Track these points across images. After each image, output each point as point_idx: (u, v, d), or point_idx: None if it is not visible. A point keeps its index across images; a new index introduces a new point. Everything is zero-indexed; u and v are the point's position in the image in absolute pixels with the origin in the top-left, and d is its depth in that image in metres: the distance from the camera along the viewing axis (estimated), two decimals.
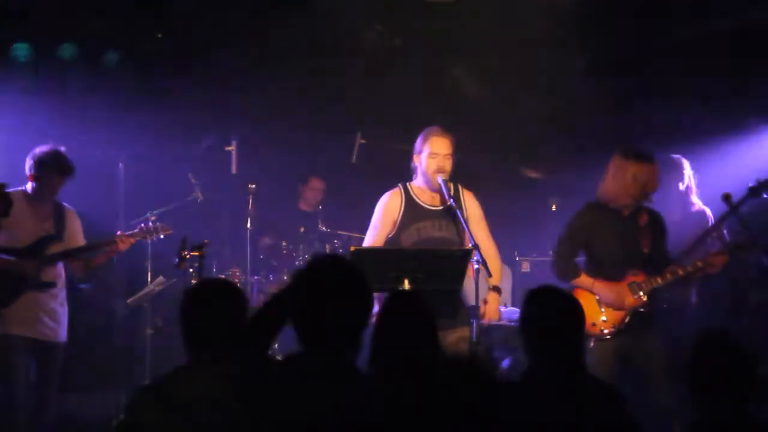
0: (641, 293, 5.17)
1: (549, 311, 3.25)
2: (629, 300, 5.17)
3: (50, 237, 5.37)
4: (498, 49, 7.36)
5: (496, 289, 5.12)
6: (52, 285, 5.34)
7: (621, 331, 5.15)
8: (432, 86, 7.67)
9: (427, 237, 5.09)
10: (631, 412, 3.17)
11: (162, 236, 5.72)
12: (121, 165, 6.20)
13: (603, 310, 5.18)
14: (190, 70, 7.47)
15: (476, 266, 4.69)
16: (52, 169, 5.37)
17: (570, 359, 3.19)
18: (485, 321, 5.05)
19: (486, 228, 5.23)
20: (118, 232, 5.55)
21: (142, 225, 5.73)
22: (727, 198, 5.34)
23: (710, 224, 5.91)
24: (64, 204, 5.52)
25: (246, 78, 7.61)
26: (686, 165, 6.14)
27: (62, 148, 5.43)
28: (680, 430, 4.94)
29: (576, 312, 3.25)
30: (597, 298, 5.19)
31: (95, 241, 5.53)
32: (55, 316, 5.37)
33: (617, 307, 5.16)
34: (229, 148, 6.71)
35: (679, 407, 4.94)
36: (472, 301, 4.94)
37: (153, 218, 6.43)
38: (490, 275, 4.84)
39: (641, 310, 5.17)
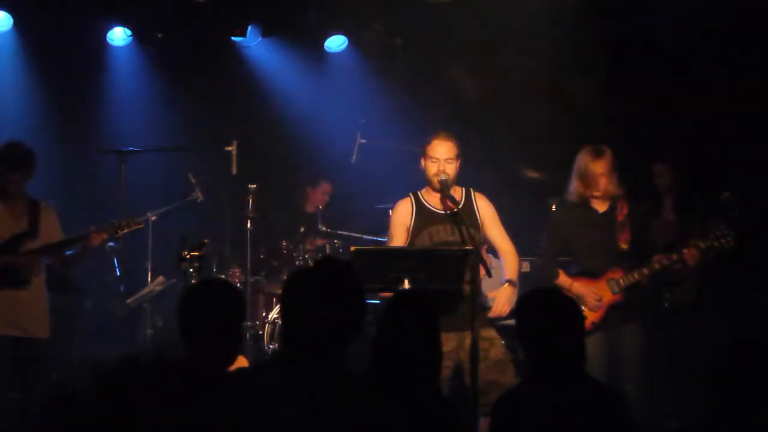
0: (618, 289, 5.27)
1: (545, 316, 3.15)
2: (607, 297, 5.28)
3: (25, 234, 5.31)
4: (498, 48, 7.36)
5: (511, 283, 5.10)
6: (26, 282, 5.28)
7: (601, 326, 5.26)
8: (432, 86, 7.66)
9: (440, 241, 5.08)
10: (632, 413, 3.14)
11: (132, 229, 5.53)
12: (121, 165, 6.19)
13: (582, 308, 5.15)
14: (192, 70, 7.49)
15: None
16: (3, 164, 5.29)
17: (570, 363, 3.12)
18: (491, 314, 5.04)
19: (501, 227, 5.24)
20: (92, 227, 5.40)
21: (112, 220, 5.55)
22: (725, 199, 5.38)
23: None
24: (40, 201, 5.46)
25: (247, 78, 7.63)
26: None
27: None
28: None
29: (573, 314, 3.18)
30: (576, 297, 5.17)
31: (69, 237, 5.45)
32: (33, 312, 5.29)
33: (596, 306, 5.27)
34: (229, 148, 6.68)
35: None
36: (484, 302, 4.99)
37: (153, 218, 6.44)
38: (490, 276, 4.83)
39: (620, 305, 5.27)
